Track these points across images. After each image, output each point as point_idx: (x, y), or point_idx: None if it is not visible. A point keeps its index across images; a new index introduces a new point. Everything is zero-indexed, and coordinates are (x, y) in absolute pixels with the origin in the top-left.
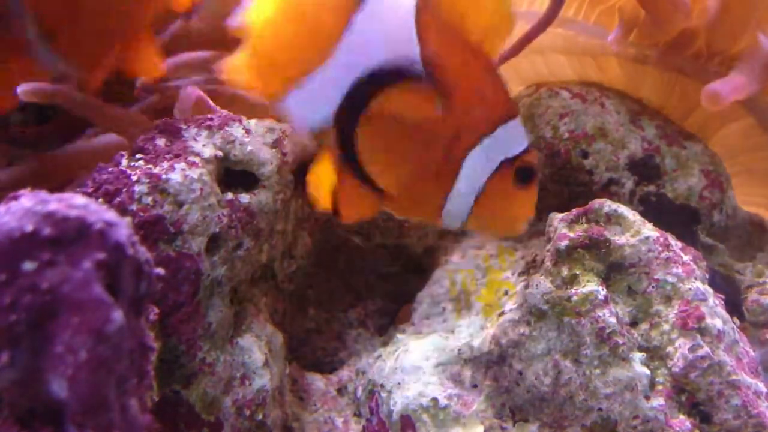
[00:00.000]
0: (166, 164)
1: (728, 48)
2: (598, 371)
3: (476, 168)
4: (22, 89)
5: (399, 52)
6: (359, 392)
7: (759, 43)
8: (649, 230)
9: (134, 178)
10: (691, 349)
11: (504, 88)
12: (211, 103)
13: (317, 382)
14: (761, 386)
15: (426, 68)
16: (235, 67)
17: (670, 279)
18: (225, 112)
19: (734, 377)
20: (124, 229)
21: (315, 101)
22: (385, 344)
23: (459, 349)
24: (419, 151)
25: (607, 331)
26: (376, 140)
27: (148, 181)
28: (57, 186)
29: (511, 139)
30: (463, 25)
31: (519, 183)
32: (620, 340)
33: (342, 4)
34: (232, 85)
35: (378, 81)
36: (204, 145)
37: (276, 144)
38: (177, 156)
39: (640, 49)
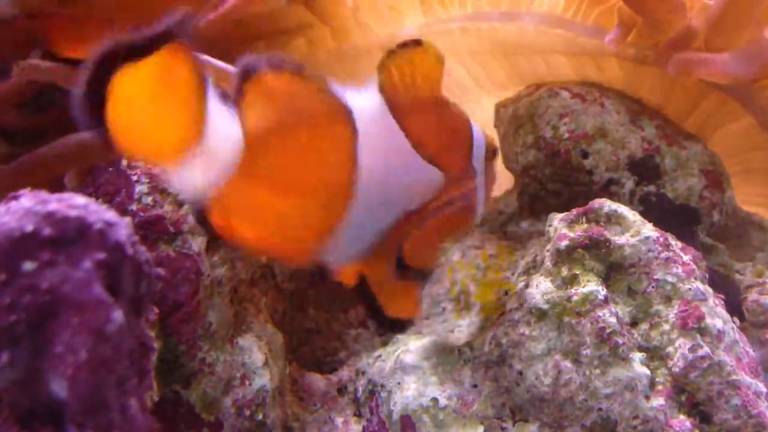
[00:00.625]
0: None
1: (727, 48)
2: (598, 371)
3: (480, 172)
4: (16, 68)
5: (400, 161)
6: (359, 392)
7: (751, 42)
8: (649, 230)
9: (134, 178)
10: (691, 349)
11: (466, 119)
12: None
13: (317, 382)
14: (761, 386)
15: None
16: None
17: (670, 279)
18: None
19: (734, 377)
20: (124, 229)
21: (351, 245)
22: (385, 344)
23: (459, 349)
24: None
25: (607, 331)
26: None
27: (148, 181)
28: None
29: (479, 136)
30: (419, 91)
31: (493, 158)
32: (620, 340)
33: (344, 147)
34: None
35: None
36: None
37: None
38: None
39: (640, 49)
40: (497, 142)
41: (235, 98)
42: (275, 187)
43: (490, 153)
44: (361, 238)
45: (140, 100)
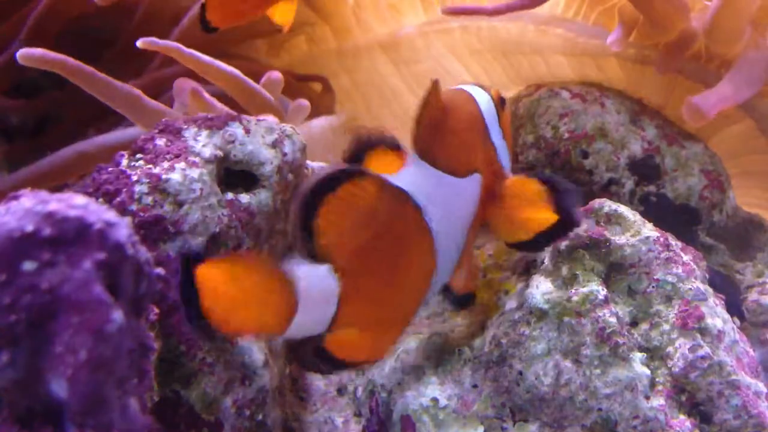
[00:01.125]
0: (166, 164)
1: (727, 50)
2: (598, 371)
3: (500, 145)
4: (20, 53)
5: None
6: (359, 392)
7: (750, 48)
8: (649, 230)
9: (134, 178)
10: (691, 349)
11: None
12: (206, 94)
13: (317, 382)
14: (761, 386)
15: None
16: None
17: (670, 279)
18: (225, 110)
19: (734, 377)
20: (124, 229)
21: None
22: None
23: (459, 349)
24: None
25: (607, 331)
26: None
27: (148, 181)
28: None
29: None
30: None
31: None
32: (620, 340)
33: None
34: None
35: None
36: (204, 145)
37: (276, 144)
38: (177, 156)
39: (640, 49)
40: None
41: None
42: (377, 302)
43: (500, 109)
44: (441, 284)
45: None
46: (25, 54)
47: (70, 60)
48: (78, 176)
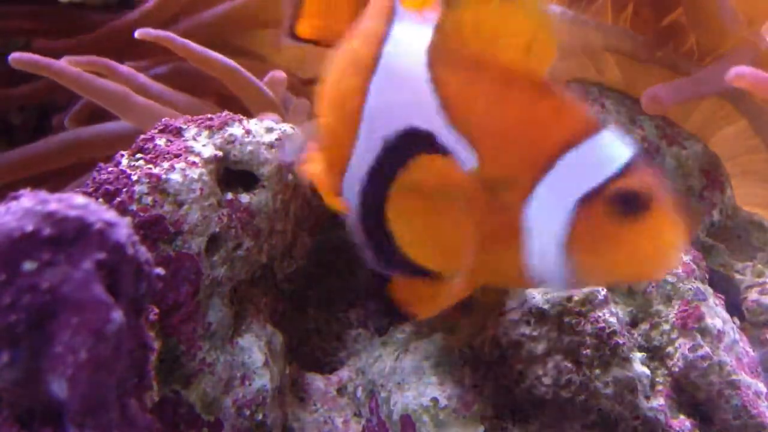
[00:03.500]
0: (166, 164)
1: (717, 47)
2: (598, 371)
3: (543, 218)
4: (12, 56)
5: (415, 115)
6: (359, 392)
7: (740, 45)
8: None
9: (134, 178)
10: (691, 349)
11: (564, 105)
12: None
13: (317, 382)
14: (761, 386)
15: (449, 125)
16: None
17: (670, 279)
18: (225, 112)
19: (734, 377)
20: (124, 229)
21: (353, 187)
22: (385, 344)
23: (459, 350)
24: (463, 224)
25: (608, 331)
26: (409, 222)
27: (148, 181)
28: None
29: (591, 164)
30: (493, 55)
31: (625, 213)
32: (620, 341)
33: (361, 72)
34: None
35: (399, 154)
36: (204, 145)
37: (276, 144)
38: (177, 156)
39: (635, 44)
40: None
41: None
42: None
43: (622, 197)
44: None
45: None
46: (16, 58)
47: (55, 63)
48: (73, 162)
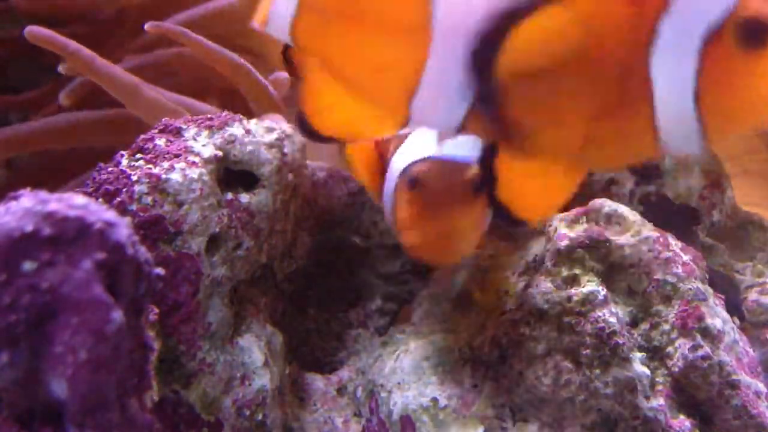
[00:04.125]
0: (166, 164)
1: None
2: (598, 371)
3: (671, 60)
4: (29, 29)
5: None
6: (359, 392)
7: None
8: (649, 230)
9: (134, 178)
10: (691, 349)
11: None
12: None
13: (317, 382)
14: (761, 386)
15: None
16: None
17: (670, 279)
18: (225, 112)
19: (734, 377)
20: (124, 229)
21: (440, 99)
22: (385, 344)
23: (459, 350)
24: (587, 87)
25: (607, 331)
26: (529, 97)
27: (148, 181)
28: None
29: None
30: None
31: (749, 45)
32: (620, 340)
33: None
34: None
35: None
36: (204, 145)
37: (276, 144)
38: (177, 156)
39: None
40: None
41: None
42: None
43: (749, 33)
44: (447, 89)
45: None
46: (33, 31)
47: (73, 43)
48: (70, 146)
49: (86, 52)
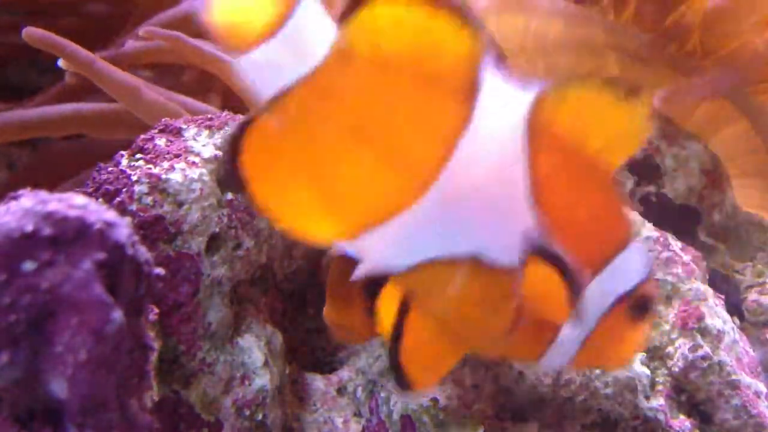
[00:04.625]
0: (166, 164)
1: (721, 48)
2: (598, 371)
3: (588, 310)
4: (27, 31)
5: (505, 195)
6: (359, 392)
7: (744, 46)
8: (649, 230)
9: (134, 178)
10: (691, 349)
11: (622, 210)
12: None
13: (317, 382)
14: (761, 386)
15: (534, 207)
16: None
17: (670, 279)
18: (225, 112)
19: (734, 377)
20: (124, 229)
21: (403, 244)
22: (385, 344)
23: None
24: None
25: None
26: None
27: (148, 181)
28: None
29: (628, 270)
30: (583, 141)
31: (633, 317)
32: None
33: (447, 124)
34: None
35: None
36: (204, 145)
37: None
38: (177, 156)
39: (637, 42)
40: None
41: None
42: (349, 119)
43: (638, 304)
44: (410, 242)
45: None
46: (30, 33)
47: (71, 44)
48: (67, 134)
49: (84, 53)
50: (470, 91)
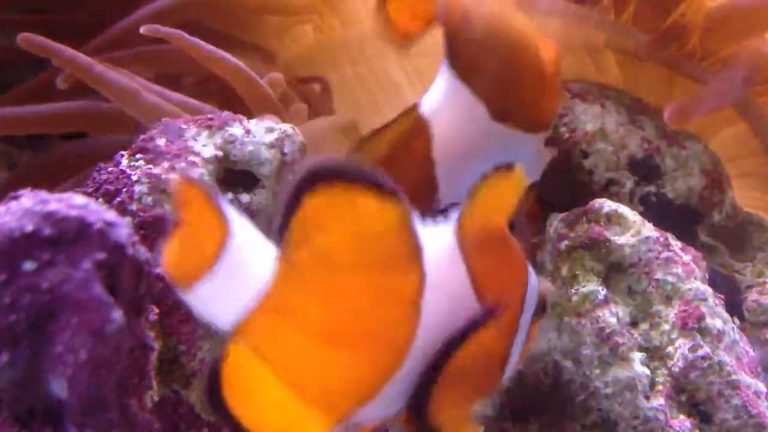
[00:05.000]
0: (166, 164)
1: (720, 49)
2: (598, 371)
3: (523, 330)
4: (22, 36)
5: (462, 312)
6: None
7: (744, 48)
8: (649, 230)
9: (134, 178)
10: (691, 349)
11: (524, 262)
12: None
13: None
14: (761, 386)
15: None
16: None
17: (670, 279)
18: (225, 112)
19: (734, 377)
20: (124, 229)
21: (392, 404)
22: None
23: None
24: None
25: (607, 331)
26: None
27: (148, 181)
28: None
29: (533, 289)
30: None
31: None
32: (620, 340)
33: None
34: None
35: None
36: (204, 145)
37: (276, 144)
38: (177, 156)
39: (637, 43)
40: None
41: (283, 214)
42: (310, 328)
43: (539, 310)
44: (401, 397)
45: None
46: (26, 39)
47: (68, 50)
48: (71, 131)
49: (83, 58)
50: (415, 255)
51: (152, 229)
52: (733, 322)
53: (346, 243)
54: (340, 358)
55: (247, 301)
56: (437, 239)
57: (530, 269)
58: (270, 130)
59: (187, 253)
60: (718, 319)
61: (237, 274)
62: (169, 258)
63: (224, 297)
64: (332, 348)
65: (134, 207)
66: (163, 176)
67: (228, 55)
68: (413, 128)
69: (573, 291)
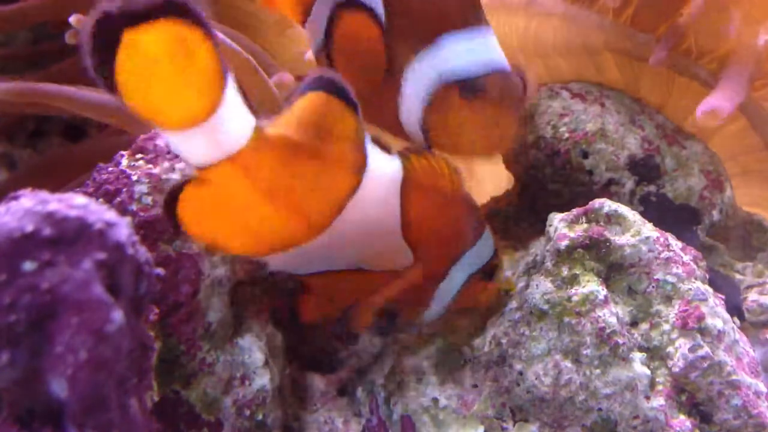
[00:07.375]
0: (166, 164)
1: (716, 48)
2: (598, 371)
3: (453, 283)
4: (8, 89)
5: (381, 240)
6: (359, 392)
7: (740, 48)
8: (649, 230)
9: (134, 178)
10: (691, 349)
11: (474, 214)
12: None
13: (317, 382)
14: (761, 386)
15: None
16: None
17: (670, 279)
18: None
19: (734, 377)
20: (124, 229)
21: (300, 264)
22: (385, 344)
23: (459, 349)
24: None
25: (608, 331)
26: None
27: (148, 181)
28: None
29: (482, 252)
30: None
31: (485, 280)
32: (620, 340)
33: None
34: None
35: None
36: None
37: None
38: (177, 156)
39: (635, 43)
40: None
41: (288, 100)
42: (262, 186)
43: (486, 273)
44: (306, 262)
45: (150, 63)
46: (11, 89)
47: (51, 86)
48: (72, 114)
49: (65, 89)
50: (358, 166)
51: (152, 229)
52: (733, 322)
53: (308, 134)
54: (269, 212)
55: (221, 154)
56: (384, 167)
57: (488, 238)
58: None
59: (184, 101)
60: (718, 319)
61: (221, 130)
62: (161, 103)
63: (204, 146)
64: (267, 203)
65: (134, 207)
66: (163, 176)
67: (238, 47)
68: None
69: (573, 291)
